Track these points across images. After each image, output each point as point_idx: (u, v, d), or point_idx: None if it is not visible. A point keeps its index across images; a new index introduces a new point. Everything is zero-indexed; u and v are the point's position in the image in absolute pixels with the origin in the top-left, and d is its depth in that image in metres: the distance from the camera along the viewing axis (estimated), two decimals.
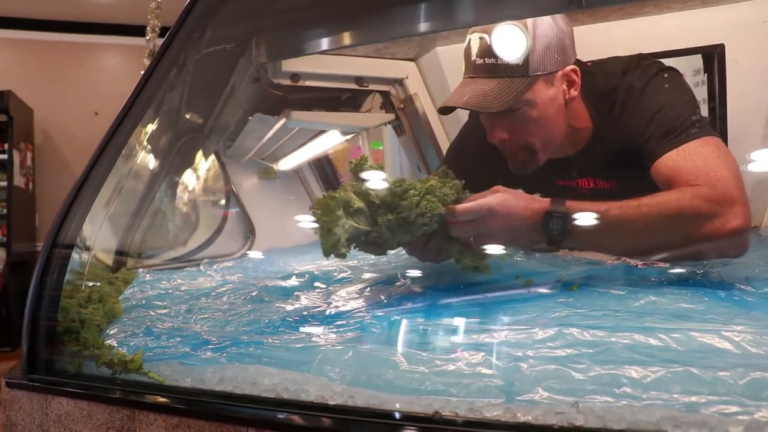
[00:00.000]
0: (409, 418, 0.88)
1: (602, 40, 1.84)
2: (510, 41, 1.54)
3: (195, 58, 1.79)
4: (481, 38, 1.56)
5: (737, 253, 1.39)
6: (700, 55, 1.80)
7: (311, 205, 1.38)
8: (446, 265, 1.57)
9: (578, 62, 1.67)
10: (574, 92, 1.62)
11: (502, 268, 1.50)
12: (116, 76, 7.73)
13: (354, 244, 1.43)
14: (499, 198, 1.39)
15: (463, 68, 1.63)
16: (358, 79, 2.08)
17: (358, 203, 1.41)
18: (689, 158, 1.43)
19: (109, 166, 1.58)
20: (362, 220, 1.41)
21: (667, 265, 1.52)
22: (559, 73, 1.60)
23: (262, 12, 1.66)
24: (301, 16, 1.56)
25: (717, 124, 1.73)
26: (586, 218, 1.36)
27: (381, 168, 1.59)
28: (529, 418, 0.81)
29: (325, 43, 1.56)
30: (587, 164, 1.73)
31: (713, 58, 1.72)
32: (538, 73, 1.55)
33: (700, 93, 1.79)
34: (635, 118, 1.56)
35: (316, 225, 1.37)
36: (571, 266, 1.66)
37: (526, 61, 1.54)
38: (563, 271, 1.56)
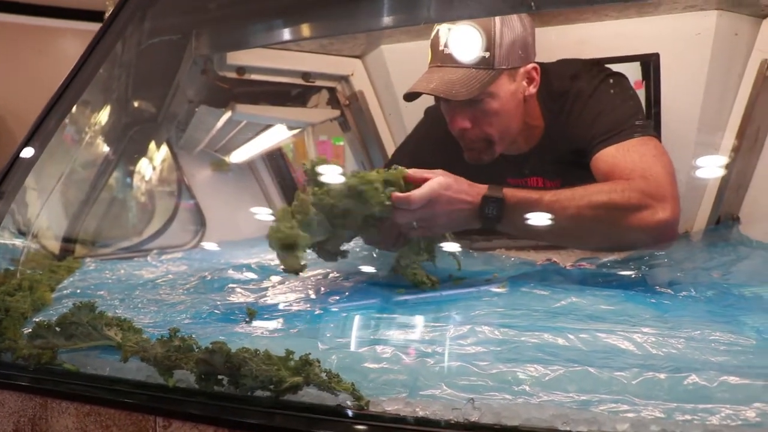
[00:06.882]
0: (314, 410, 0.88)
1: (545, 44, 1.87)
2: (477, 34, 1.57)
3: (138, 45, 1.78)
4: (449, 29, 1.59)
5: (664, 244, 1.47)
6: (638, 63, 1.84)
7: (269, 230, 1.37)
8: (383, 258, 1.59)
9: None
10: (533, 89, 1.67)
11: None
12: None
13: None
14: (442, 182, 1.37)
15: (430, 57, 1.65)
16: (305, 75, 2.08)
17: (315, 213, 1.40)
18: (626, 154, 1.50)
19: (41, 146, 1.56)
20: (319, 230, 1.41)
21: (594, 267, 1.56)
22: (522, 69, 1.64)
23: (201, 4, 1.65)
24: (241, 9, 1.55)
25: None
26: (521, 204, 1.38)
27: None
28: (428, 412, 0.83)
29: (264, 37, 1.56)
30: (538, 162, 1.78)
31: (649, 66, 1.76)
32: (503, 67, 1.59)
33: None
34: (582, 120, 1.62)
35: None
36: (505, 266, 1.69)
37: (493, 54, 1.57)
38: (495, 271, 1.58)
